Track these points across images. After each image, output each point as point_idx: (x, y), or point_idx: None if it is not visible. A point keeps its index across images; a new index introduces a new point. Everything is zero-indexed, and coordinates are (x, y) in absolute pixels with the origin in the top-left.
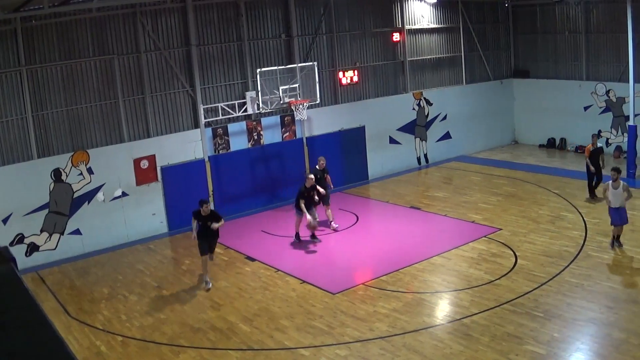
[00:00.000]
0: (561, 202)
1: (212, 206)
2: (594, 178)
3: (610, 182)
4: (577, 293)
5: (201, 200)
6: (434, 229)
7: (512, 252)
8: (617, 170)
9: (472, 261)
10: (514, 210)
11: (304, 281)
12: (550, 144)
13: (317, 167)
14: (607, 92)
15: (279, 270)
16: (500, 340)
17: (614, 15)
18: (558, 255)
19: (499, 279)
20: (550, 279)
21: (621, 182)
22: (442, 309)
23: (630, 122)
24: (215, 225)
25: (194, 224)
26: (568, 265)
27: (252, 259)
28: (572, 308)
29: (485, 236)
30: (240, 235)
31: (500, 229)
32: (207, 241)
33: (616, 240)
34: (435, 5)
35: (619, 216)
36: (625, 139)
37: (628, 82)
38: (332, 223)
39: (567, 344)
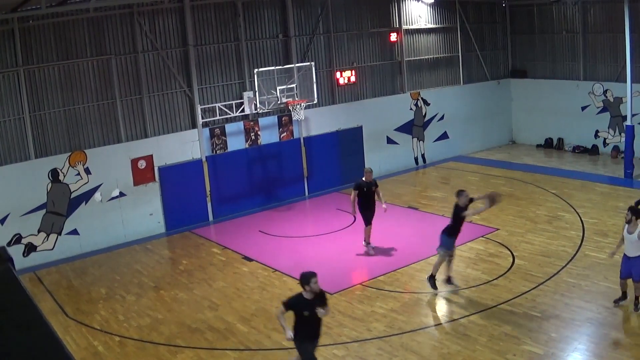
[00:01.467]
0: (559, 202)
1: (209, 206)
2: None
3: (625, 225)
4: (575, 293)
5: (305, 274)
6: (431, 229)
7: (509, 252)
8: (633, 211)
9: (470, 261)
10: (512, 211)
11: None
12: (548, 144)
13: (363, 179)
14: (605, 92)
15: (276, 270)
16: (498, 340)
17: (611, 15)
18: (555, 255)
19: (496, 279)
20: (548, 279)
21: (639, 225)
22: (440, 309)
23: (628, 122)
24: (323, 311)
25: (283, 320)
26: (565, 265)
27: (250, 259)
28: (570, 308)
29: (482, 236)
30: (237, 236)
31: (498, 229)
32: (313, 339)
33: (636, 305)
34: (432, 6)
35: (628, 267)
36: (623, 139)
37: (625, 82)
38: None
39: (565, 344)
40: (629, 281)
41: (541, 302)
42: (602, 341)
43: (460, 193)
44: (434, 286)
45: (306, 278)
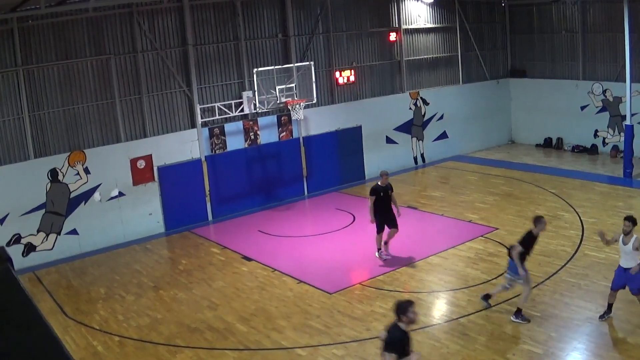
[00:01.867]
0: (558, 202)
1: (209, 206)
2: None
3: (622, 235)
4: (574, 292)
5: (402, 303)
6: (430, 229)
7: (508, 252)
8: (631, 221)
9: (469, 260)
10: (511, 210)
11: (300, 281)
12: (547, 144)
13: (379, 183)
14: (604, 91)
15: (275, 270)
16: (497, 339)
17: (610, 14)
18: (555, 254)
19: (495, 278)
20: (547, 279)
21: (635, 236)
22: (439, 309)
23: (627, 122)
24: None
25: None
26: (565, 265)
27: (249, 259)
28: (569, 307)
29: (482, 236)
30: (237, 235)
31: (497, 229)
32: None
33: None
34: (431, 5)
35: (623, 280)
36: (622, 139)
37: (625, 81)
38: (383, 252)
39: (564, 344)
40: (619, 294)
41: (540, 302)
42: (602, 341)
43: (539, 220)
44: (524, 319)
45: (403, 307)
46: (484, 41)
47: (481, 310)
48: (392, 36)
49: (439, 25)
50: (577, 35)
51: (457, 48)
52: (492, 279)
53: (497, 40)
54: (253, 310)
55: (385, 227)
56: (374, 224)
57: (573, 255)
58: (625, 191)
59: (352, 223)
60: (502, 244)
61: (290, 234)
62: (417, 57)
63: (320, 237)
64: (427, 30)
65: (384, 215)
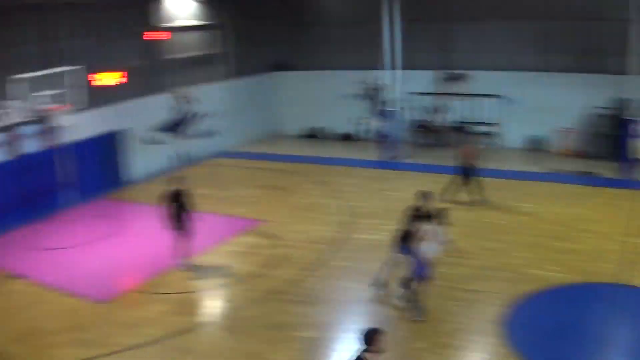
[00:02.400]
0: (325, 190)
1: None
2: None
3: (434, 225)
4: (344, 275)
5: (370, 332)
6: (199, 227)
7: (279, 243)
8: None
9: (240, 255)
10: (279, 201)
11: (72, 293)
12: (313, 134)
13: (172, 188)
14: (367, 80)
15: (46, 284)
16: (273, 330)
17: (372, 6)
18: (325, 241)
19: (267, 270)
20: (318, 265)
21: (437, 226)
22: (213, 306)
23: (389, 108)
24: None
25: None
26: (334, 250)
27: (18, 276)
28: (340, 290)
29: (251, 229)
30: (3, 253)
31: (267, 221)
32: None
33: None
34: (196, 2)
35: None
36: (385, 124)
37: (386, 69)
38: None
39: (338, 325)
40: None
41: (312, 288)
42: (374, 317)
43: (425, 195)
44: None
45: (370, 337)
46: (249, 36)
47: (256, 303)
48: (155, 35)
49: (203, 22)
50: (341, 28)
51: (222, 44)
52: (264, 271)
53: (262, 35)
54: (26, 329)
55: (178, 232)
56: (170, 228)
57: (342, 240)
58: (390, 174)
59: (118, 229)
60: (273, 236)
61: (61, 245)
62: (181, 56)
63: (90, 246)
64: (191, 28)
65: (178, 221)
